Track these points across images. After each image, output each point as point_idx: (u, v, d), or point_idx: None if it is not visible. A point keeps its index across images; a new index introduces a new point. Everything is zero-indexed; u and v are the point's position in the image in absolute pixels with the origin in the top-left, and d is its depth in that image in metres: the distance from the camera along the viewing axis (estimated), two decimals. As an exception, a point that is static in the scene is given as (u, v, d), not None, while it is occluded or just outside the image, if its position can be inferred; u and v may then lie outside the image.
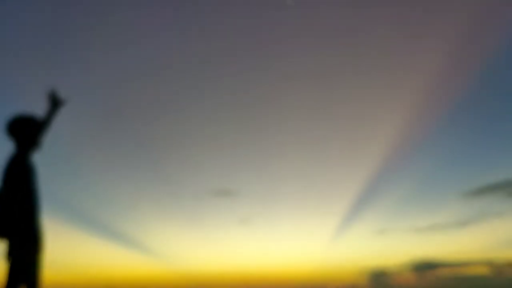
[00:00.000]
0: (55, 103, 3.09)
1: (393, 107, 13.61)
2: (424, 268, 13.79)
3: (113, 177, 13.13)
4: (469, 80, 13.01)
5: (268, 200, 14.12)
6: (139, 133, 13.13)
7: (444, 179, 14.63)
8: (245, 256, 14.13)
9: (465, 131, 14.16)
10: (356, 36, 13.32)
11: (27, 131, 3.05)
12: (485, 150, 14.22)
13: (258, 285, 13.39)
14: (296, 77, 13.65)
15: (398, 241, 13.92)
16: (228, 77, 13.76)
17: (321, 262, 13.68)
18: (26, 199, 2.93)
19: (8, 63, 11.53)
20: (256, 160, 14.28)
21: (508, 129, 13.94)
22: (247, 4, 12.67)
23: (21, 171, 2.96)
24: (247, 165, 14.37)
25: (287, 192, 13.83)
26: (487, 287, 13.24)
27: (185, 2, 12.71)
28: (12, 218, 2.87)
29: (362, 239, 14.29)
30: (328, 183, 14.49)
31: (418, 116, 13.35)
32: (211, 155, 14.12)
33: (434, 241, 13.93)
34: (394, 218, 14.30)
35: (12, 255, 2.86)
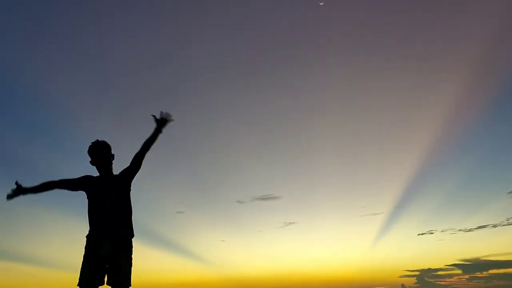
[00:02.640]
0: (163, 123, 3.55)
1: (434, 105, 13.33)
2: (474, 268, 13.36)
3: (159, 184, 13.59)
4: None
5: (311, 204, 14.17)
6: (184, 142, 13.54)
7: (490, 176, 14.13)
8: (289, 258, 14.23)
9: (510, 125, 13.65)
10: (392, 35, 13.17)
11: None
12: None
13: (302, 286, 13.44)
14: (335, 82, 13.67)
15: (445, 242, 13.56)
16: (271, 88, 13.96)
17: (365, 263, 13.56)
18: None
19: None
20: (298, 165, 14.37)
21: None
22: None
23: None
24: (289, 171, 14.50)
25: (329, 195, 13.84)
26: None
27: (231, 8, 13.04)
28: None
29: (407, 240, 14.03)
30: (370, 184, 14.36)
31: (461, 112, 13.02)
32: (254, 162, 14.35)
33: (484, 241, 13.47)
34: (440, 218, 13.95)
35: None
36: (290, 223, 14.05)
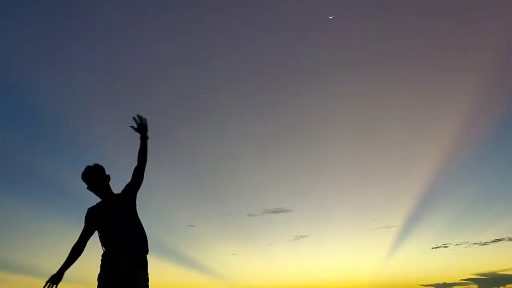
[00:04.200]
0: (143, 128, 3.44)
1: (448, 116, 13.21)
2: (491, 282, 13.05)
3: (171, 199, 13.61)
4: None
5: (323, 217, 14.06)
6: (194, 155, 13.57)
7: (506, 189, 13.86)
8: (301, 272, 14.07)
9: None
10: (407, 44, 13.15)
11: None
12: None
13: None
14: (347, 94, 13.65)
15: (460, 256, 13.30)
16: (282, 100, 14.00)
17: (378, 277, 13.33)
18: None
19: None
20: (309, 178, 14.30)
21: None
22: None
23: None
24: (300, 184, 14.43)
25: (341, 208, 13.71)
26: None
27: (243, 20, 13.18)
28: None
29: (421, 254, 13.80)
30: (383, 197, 14.21)
31: (476, 123, 12.87)
32: (265, 175, 14.33)
33: (500, 254, 13.17)
34: (454, 232, 13.71)
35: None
36: (302, 237, 13.94)
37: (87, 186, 3.38)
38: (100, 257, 3.30)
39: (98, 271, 3.24)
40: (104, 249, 3.30)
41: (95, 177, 3.34)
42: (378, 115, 13.88)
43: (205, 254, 13.87)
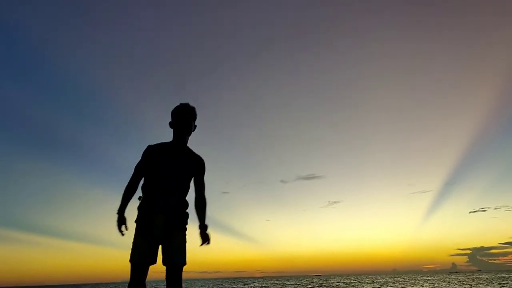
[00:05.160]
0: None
1: (487, 79, 12.61)
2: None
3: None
4: None
5: (357, 182, 14.09)
6: (228, 124, 13.67)
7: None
8: (335, 237, 14.22)
9: None
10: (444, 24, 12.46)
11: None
12: None
13: (349, 265, 13.39)
14: (383, 58, 13.19)
15: (499, 220, 13.09)
16: (313, 66, 13.70)
17: (414, 241, 13.41)
18: None
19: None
20: (342, 144, 14.23)
21: None
22: None
23: None
24: (333, 150, 14.38)
25: (376, 173, 13.65)
26: None
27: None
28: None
29: (458, 218, 13.68)
30: (419, 161, 13.96)
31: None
32: (297, 142, 14.33)
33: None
34: (493, 195, 13.43)
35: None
36: (335, 202, 14.05)
37: (173, 122, 3.10)
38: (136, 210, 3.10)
39: (135, 227, 3.07)
40: (148, 194, 3.10)
41: (190, 118, 3.09)
42: (415, 79, 13.42)
43: (238, 220, 14.22)
